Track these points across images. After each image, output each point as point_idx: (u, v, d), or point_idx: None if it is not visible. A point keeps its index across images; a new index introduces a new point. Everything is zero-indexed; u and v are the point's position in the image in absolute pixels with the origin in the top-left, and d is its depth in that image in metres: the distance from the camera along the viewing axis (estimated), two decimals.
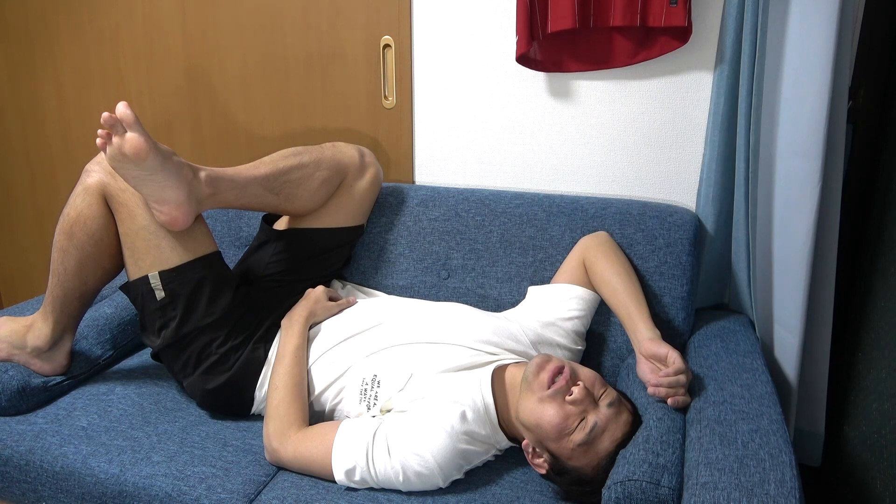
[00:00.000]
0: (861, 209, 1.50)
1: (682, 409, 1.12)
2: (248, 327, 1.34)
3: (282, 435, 1.17)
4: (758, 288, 1.42)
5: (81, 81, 1.97)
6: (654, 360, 1.15)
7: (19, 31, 1.99)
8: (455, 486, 1.12)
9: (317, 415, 1.28)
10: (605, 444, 1.05)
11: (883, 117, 1.45)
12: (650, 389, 1.13)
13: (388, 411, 1.20)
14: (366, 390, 1.22)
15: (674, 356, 1.12)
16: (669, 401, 1.10)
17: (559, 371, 1.09)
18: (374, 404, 1.21)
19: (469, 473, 1.15)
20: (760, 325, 1.44)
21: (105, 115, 1.08)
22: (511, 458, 1.20)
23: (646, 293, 1.32)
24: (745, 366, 1.20)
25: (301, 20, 1.69)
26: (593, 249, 1.36)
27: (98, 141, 1.13)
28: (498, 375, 1.20)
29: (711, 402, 1.08)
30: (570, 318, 1.33)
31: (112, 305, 1.55)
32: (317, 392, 1.27)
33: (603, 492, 0.98)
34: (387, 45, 1.63)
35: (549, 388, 1.08)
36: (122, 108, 1.10)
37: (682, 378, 1.11)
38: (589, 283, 1.36)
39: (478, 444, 1.15)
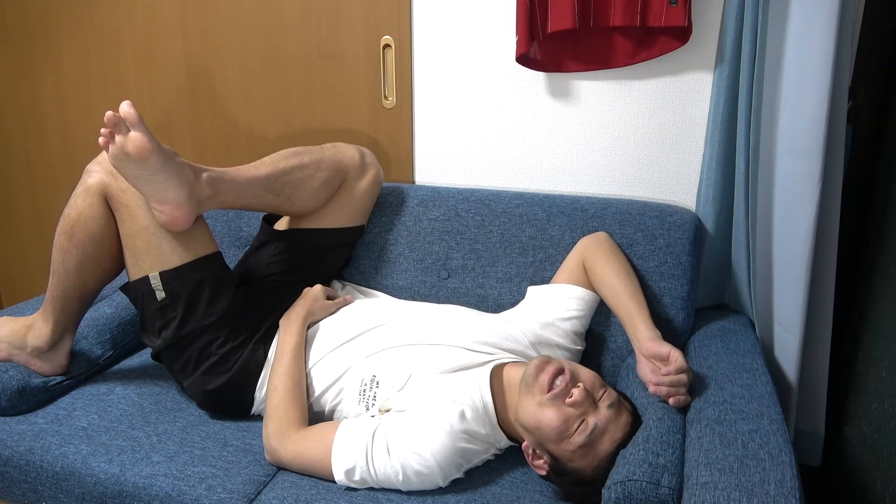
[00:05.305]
0: (861, 209, 1.50)
1: (683, 409, 1.12)
2: (249, 328, 1.34)
3: (281, 435, 1.17)
4: (758, 288, 1.42)
5: (81, 81, 1.97)
6: (655, 360, 1.15)
7: (19, 32, 1.99)
8: (455, 486, 1.12)
9: (316, 416, 1.28)
10: (606, 445, 1.05)
11: (883, 117, 1.45)
12: (651, 388, 1.13)
13: (387, 411, 1.20)
14: (364, 391, 1.22)
15: (675, 355, 1.12)
16: (671, 400, 1.10)
17: (559, 373, 1.09)
18: (373, 404, 1.21)
19: (469, 473, 1.15)
20: (760, 325, 1.44)
21: (109, 113, 1.08)
22: (511, 457, 1.20)
23: (646, 293, 1.32)
24: (745, 366, 1.20)
25: (301, 20, 1.69)
26: (593, 250, 1.36)
27: (101, 140, 1.13)
28: (496, 375, 1.20)
29: (711, 402, 1.08)
30: (569, 319, 1.33)
31: (112, 305, 1.55)
32: (316, 394, 1.27)
33: (603, 492, 0.98)
34: (387, 45, 1.63)
35: (548, 390, 1.08)
36: (125, 108, 1.10)
37: (683, 377, 1.11)
38: (588, 284, 1.36)
39: (477, 443, 1.15)
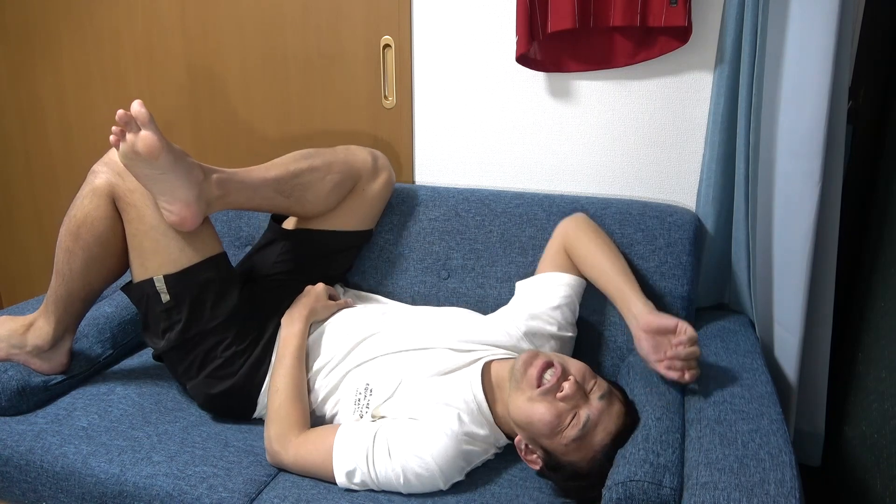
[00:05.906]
0: (861, 209, 1.50)
1: (684, 406, 1.11)
2: (253, 329, 1.33)
3: (283, 438, 1.16)
4: (758, 288, 1.42)
5: (81, 81, 1.97)
6: (658, 335, 1.11)
7: (19, 32, 1.99)
8: (454, 486, 1.12)
9: (317, 421, 1.28)
10: (599, 437, 1.04)
11: (883, 117, 1.45)
12: (662, 366, 1.09)
13: (381, 418, 1.19)
14: (359, 399, 1.22)
15: (684, 326, 1.07)
16: (687, 375, 1.07)
17: (548, 367, 1.09)
18: (367, 412, 1.21)
19: (468, 473, 1.15)
20: (760, 325, 1.44)
21: (120, 112, 1.09)
22: (510, 456, 1.20)
23: (646, 293, 1.31)
24: (745, 366, 1.20)
25: (301, 20, 1.69)
26: (572, 231, 1.34)
27: (111, 138, 1.13)
28: (486, 372, 1.20)
29: (711, 402, 1.08)
30: (558, 307, 1.31)
31: (112, 304, 1.55)
32: (314, 405, 1.27)
33: (603, 492, 0.98)
34: (387, 45, 1.63)
35: (537, 385, 1.07)
36: (136, 107, 1.10)
37: (697, 349, 1.07)
38: (573, 268, 1.34)
39: (478, 444, 1.15)
